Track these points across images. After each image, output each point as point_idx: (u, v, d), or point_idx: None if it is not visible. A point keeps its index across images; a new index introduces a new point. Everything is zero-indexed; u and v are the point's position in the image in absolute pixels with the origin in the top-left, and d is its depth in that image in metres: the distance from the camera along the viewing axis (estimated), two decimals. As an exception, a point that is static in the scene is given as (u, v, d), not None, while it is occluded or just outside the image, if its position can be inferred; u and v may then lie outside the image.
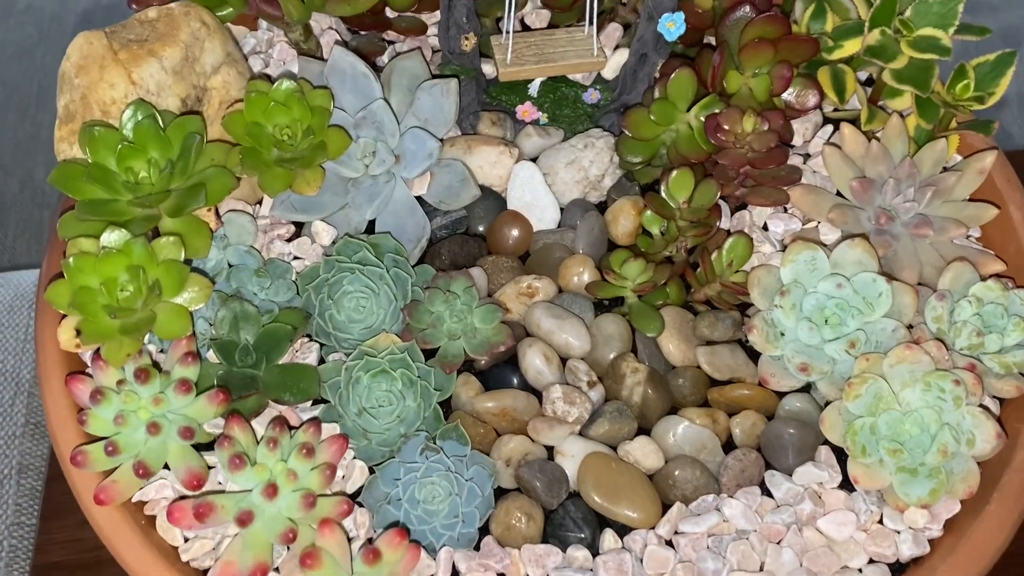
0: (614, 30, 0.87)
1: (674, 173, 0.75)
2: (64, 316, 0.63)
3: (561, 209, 0.80)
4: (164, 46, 0.73)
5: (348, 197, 0.75)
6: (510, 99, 0.85)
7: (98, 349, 0.62)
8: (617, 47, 0.87)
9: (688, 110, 0.77)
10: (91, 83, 0.71)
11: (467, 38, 0.78)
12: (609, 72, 0.87)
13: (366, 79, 0.75)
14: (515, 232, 0.77)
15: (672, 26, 0.77)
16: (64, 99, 0.72)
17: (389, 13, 0.85)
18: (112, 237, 0.62)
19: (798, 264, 0.71)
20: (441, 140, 0.76)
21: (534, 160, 0.82)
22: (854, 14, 0.81)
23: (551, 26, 0.90)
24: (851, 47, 0.77)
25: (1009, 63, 0.75)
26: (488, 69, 0.85)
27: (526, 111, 0.84)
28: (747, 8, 0.79)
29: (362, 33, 0.85)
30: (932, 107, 0.76)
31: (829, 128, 0.83)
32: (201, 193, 0.66)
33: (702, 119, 0.75)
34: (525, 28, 0.90)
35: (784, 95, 0.76)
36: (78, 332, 0.60)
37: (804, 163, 0.81)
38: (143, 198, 0.64)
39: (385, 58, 0.86)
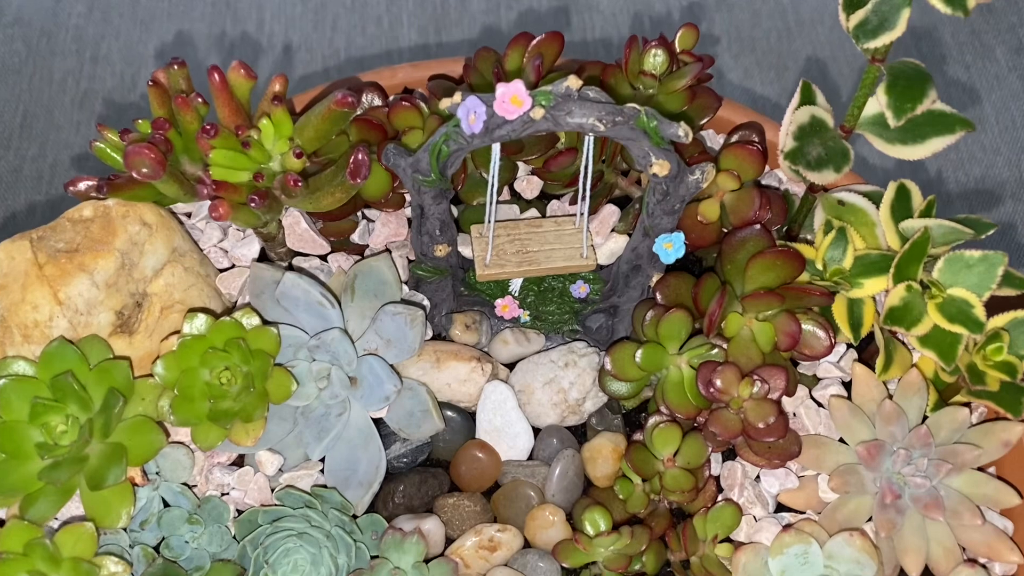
0: (609, 214, 0.78)
1: (659, 427, 0.67)
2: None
3: (536, 430, 0.72)
4: (96, 257, 0.66)
5: (296, 430, 0.68)
6: (491, 290, 0.76)
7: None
8: (613, 230, 0.79)
9: (681, 349, 0.68)
10: (11, 304, 0.64)
11: (440, 247, 0.69)
12: (603, 257, 0.78)
13: (321, 306, 0.67)
14: (481, 465, 0.70)
15: (670, 247, 0.68)
16: (-18, 320, 0.65)
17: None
18: (12, 531, 0.55)
19: (788, 557, 0.63)
20: (400, 378, 0.69)
21: (510, 367, 0.74)
22: (880, 232, 0.72)
23: (543, 195, 0.81)
24: (873, 287, 0.68)
25: (1050, 325, 0.66)
26: (468, 252, 0.77)
27: (506, 306, 0.76)
28: (757, 227, 0.70)
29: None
30: (955, 367, 0.67)
31: (841, 347, 0.75)
32: (122, 461, 0.59)
33: (694, 367, 0.67)
34: (514, 195, 0.81)
35: (791, 333, 0.68)
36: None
37: (809, 393, 0.73)
38: (55, 473, 0.58)
39: (356, 237, 0.77)
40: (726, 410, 0.65)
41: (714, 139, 0.84)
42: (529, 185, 0.81)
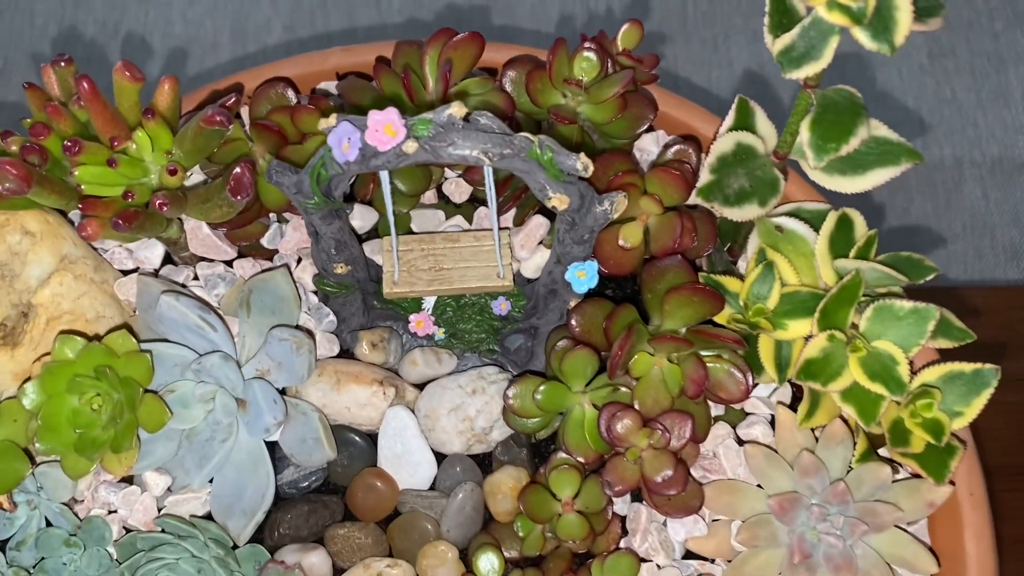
0: (537, 227, 0.73)
1: (558, 468, 0.63)
2: None
3: (441, 456, 0.69)
4: (-29, 270, 0.63)
5: (179, 454, 0.65)
6: (406, 304, 0.72)
7: None
8: (541, 243, 0.74)
9: (587, 386, 0.64)
10: None
11: (339, 266, 0.65)
12: (529, 271, 0.74)
13: (200, 330, 0.63)
14: (378, 495, 0.67)
15: (583, 276, 0.64)
16: None
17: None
18: None
19: (679, 620, 0.60)
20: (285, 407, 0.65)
21: (421, 387, 0.70)
22: (817, 263, 0.66)
23: (473, 199, 0.76)
24: (797, 330, 0.63)
25: (988, 382, 0.60)
26: (380, 259, 0.73)
27: (420, 323, 0.71)
28: (678, 258, 0.65)
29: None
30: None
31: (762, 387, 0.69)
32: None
33: (598, 407, 0.63)
34: (442, 198, 0.76)
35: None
36: None
37: (733, 430, 0.68)
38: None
39: (264, 241, 0.73)
40: (623, 459, 0.61)
41: (664, 140, 0.78)
42: (458, 188, 0.76)
